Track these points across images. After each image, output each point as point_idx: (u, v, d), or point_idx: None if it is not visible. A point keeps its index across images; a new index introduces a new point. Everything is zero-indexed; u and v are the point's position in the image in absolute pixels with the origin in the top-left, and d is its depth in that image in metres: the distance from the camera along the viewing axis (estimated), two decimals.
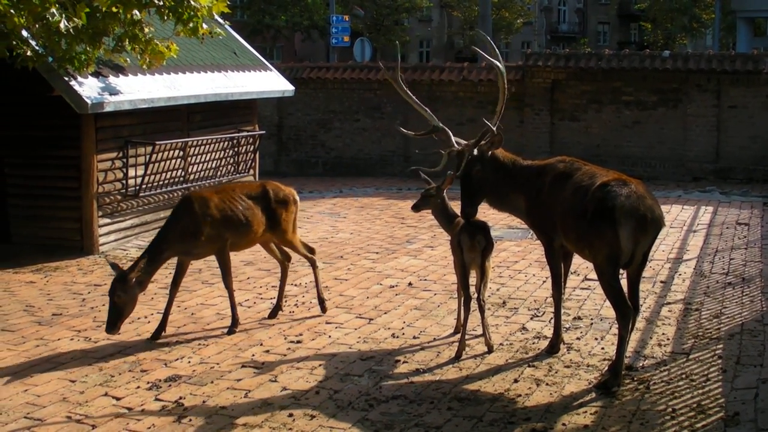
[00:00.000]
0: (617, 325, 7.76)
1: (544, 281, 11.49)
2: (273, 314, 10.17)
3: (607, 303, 10.12)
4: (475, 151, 8.59)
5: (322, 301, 10.32)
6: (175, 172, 15.43)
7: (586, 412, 7.17)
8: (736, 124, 21.71)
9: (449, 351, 8.70)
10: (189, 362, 8.56)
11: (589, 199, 7.66)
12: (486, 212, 9.68)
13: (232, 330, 9.56)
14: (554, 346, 8.69)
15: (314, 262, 10.45)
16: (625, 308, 7.67)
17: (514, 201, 8.66)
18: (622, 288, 7.75)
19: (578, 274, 11.61)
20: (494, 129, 8.55)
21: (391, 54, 54.42)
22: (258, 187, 10.12)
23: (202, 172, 16.32)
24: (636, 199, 7.56)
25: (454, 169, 8.81)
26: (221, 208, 9.51)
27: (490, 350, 8.75)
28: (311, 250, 10.52)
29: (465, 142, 8.84)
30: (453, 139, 8.92)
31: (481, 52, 10.01)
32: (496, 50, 9.19)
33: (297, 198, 10.27)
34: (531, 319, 9.88)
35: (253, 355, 8.74)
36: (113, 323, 8.76)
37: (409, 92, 9.40)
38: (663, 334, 9.21)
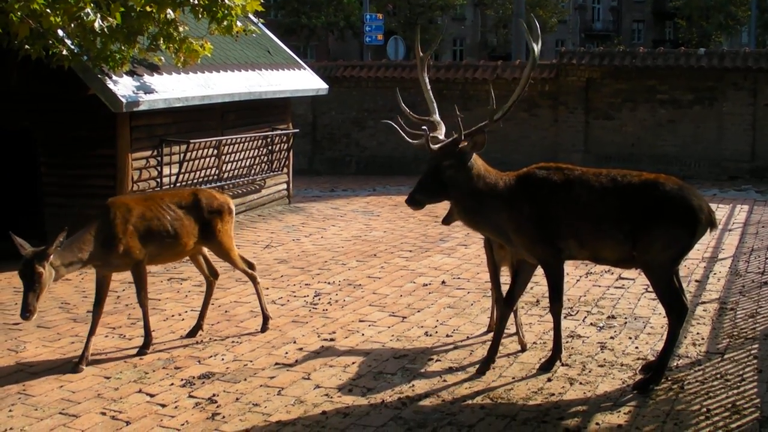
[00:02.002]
0: (669, 326, 7.73)
1: (579, 279, 11.44)
2: (192, 333, 9.38)
3: (642, 302, 10.11)
4: (460, 145, 7.87)
5: (265, 319, 9.64)
6: (209, 170, 15.49)
7: (619, 411, 7.13)
8: None
9: (482, 349, 8.67)
10: (222, 359, 8.58)
11: (659, 199, 7.58)
12: None
13: (143, 351, 8.76)
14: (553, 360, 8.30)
15: (255, 278, 9.68)
16: (682, 308, 7.69)
17: (491, 217, 7.95)
18: (677, 287, 7.78)
19: (612, 273, 11.55)
20: (483, 126, 7.97)
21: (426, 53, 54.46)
22: (189, 195, 9.30)
23: (236, 171, 16.37)
24: (701, 196, 7.72)
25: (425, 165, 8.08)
26: (146, 217, 8.75)
27: (524, 349, 8.73)
28: (251, 266, 9.76)
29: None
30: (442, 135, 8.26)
31: (525, 28, 9.04)
32: (538, 31, 8.31)
33: (233, 207, 9.57)
34: (565, 317, 9.81)
35: (287, 353, 8.75)
36: (30, 305, 7.68)
37: (426, 78, 8.99)
38: (698, 333, 9.14)
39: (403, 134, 8.29)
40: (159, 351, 8.86)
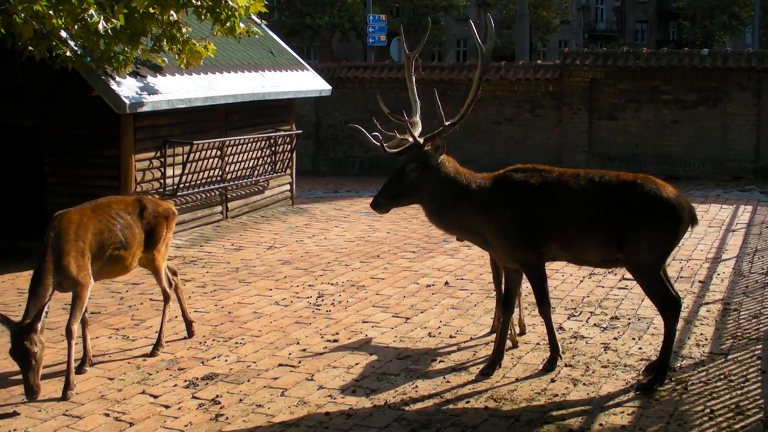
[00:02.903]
0: (664, 323, 7.72)
1: (582, 280, 11.44)
2: (153, 352, 8.85)
3: (645, 302, 10.10)
4: (425, 148, 7.84)
5: (189, 324, 9.38)
6: (212, 171, 15.50)
7: (623, 412, 7.13)
8: None
9: (486, 350, 8.67)
10: (226, 361, 8.59)
11: (642, 200, 7.60)
12: None
13: (66, 392, 7.69)
14: (496, 363, 8.15)
15: (169, 298, 9.12)
16: (675, 302, 7.72)
17: (464, 220, 7.92)
18: (666, 283, 7.82)
19: (615, 274, 11.55)
20: (439, 131, 7.86)
21: (429, 53, 54.46)
22: (134, 201, 8.83)
23: (240, 172, 16.38)
24: (680, 193, 7.75)
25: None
26: (96, 229, 8.16)
27: (515, 345, 8.79)
28: (174, 272, 9.34)
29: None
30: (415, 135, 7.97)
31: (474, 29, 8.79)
32: (492, 32, 8.14)
33: (176, 213, 9.22)
34: (568, 318, 9.84)
35: (290, 354, 8.75)
36: (33, 385, 7.26)
37: (413, 77, 8.79)
38: (701, 334, 9.14)
39: (369, 137, 8.33)
40: (162, 352, 8.87)
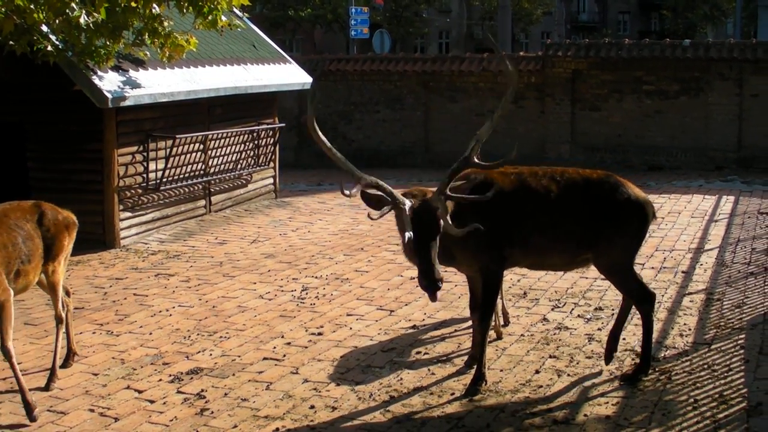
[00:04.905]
0: (642, 316, 7.75)
1: (565, 272, 11.46)
2: (64, 363, 8.29)
3: None
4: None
5: (69, 354, 8.40)
6: (195, 165, 15.48)
7: (607, 402, 7.15)
8: (758, 112, 21.56)
9: (470, 342, 8.68)
10: (210, 355, 8.59)
11: (616, 199, 7.54)
12: None
13: (32, 418, 7.08)
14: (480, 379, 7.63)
15: (61, 320, 8.11)
16: (650, 294, 7.77)
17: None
18: (638, 277, 7.88)
19: None
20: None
21: (411, 45, 54.42)
22: (31, 207, 7.89)
23: (223, 165, 16.35)
24: (640, 189, 7.79)
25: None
26: (0, 244, 7.32)
27: (499, 337, 8.81)
28: (67, 293, 8.46)
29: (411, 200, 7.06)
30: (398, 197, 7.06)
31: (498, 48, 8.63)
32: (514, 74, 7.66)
33: (77, 223, 8.33)
34: (552, 309, 9.86)
35: (275, 348, 8.75)
36: None
37: (330, 146, 7.43)
38: (684, 324, 9.17)
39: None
40: (147, 347, 8.86)
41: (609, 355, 7.93)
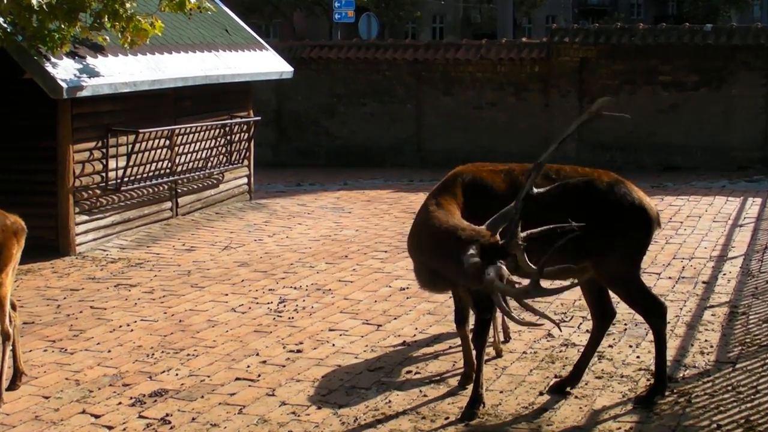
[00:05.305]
0: (653, 330, 7.75)
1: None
2: (11, 385, 8.17)
3: None
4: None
5: (17, 375, 8.29)
6: (160, 163, 15.42)
7: (620, 428, 7.13)
8: None
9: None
10: (176, 375, 8.53)
11: (615, 202, 7.55)
12: None
13: None
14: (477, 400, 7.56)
15: (8, 337, 8.03)
16: (659, 305, 7.73)
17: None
18: (646, 287, 7.87)
19: None
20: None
21: (401, 31, 54.42)
22: None
23: (191, 164, 16.31)
24: (644, 192, 7.81)
25: None
26: None
27: (499, 354, 8.78)
28: (13, 306, 8.31)
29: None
30: None
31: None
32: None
33: (26, 228, 8.27)
34: (558, 324, 9.81)
35: (248, 367, 8.71)
36: None
37: None
38: (706, 340, 9.15)
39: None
40: (105, 366, 8.80)
41: (563, 384, 7.93)
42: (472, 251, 6.73)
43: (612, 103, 7.29)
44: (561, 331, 7.91)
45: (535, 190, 6.97)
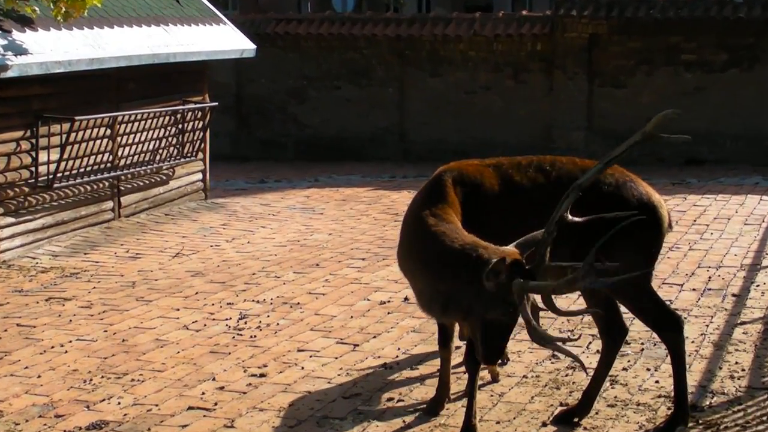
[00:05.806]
0: (668, 346, 7.79)
1: (579, 294, 11.43)
2: None
3: None
4: None
5: None
6: (100, 156, 15.39)
7: None
8: None
9: (457, 385, 8.63)
10: (119, 404, 8.50)
11: (620, 199, 7.59)
12: None
13: None
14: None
15: None
16: (675, 318, 7.74)
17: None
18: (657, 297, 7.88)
19: None
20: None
21: (382, 2, 54.44)
22: None
23: (137, 157, 16.29)
24: (653, 188, 7.90)
25: None
26: None
27: (494, 379, 8.79)
28: None
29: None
30: None
31: None
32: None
33: None
34: (563, 343, 9.82)
35: (203, 394, 8.69)
36: None
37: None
38: (736, 363, 9.16)
39: None
40: (34, 394, 8.76)
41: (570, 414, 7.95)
42: (497, 266, 6.70)
43: (675, 115, 7.26)
44: (587, 372, 7.85)
45: (569, 216, 6.96)
